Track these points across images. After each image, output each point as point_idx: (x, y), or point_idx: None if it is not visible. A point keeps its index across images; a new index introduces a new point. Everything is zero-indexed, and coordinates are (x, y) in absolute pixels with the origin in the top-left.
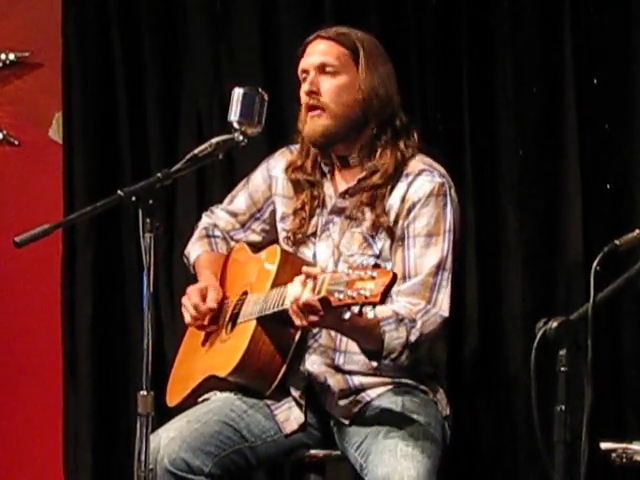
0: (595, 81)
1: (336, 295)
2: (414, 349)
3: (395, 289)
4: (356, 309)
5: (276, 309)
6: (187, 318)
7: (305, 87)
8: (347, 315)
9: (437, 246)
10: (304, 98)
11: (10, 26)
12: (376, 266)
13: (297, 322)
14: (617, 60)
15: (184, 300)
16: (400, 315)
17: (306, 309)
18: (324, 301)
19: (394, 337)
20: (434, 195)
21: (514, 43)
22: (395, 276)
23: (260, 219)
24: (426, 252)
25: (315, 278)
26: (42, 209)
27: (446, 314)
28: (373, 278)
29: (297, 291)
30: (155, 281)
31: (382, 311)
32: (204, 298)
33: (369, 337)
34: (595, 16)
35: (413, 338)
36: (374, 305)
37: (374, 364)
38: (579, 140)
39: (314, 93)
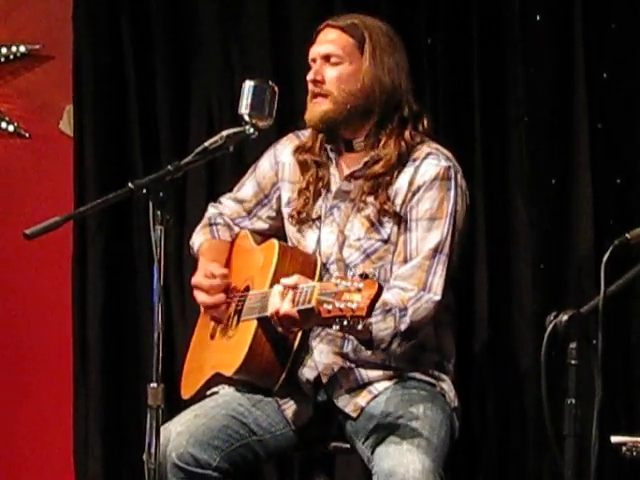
0: (605, 75)
1: (325, 306)
2: (407, 337)
3: (394, 273)
4: (344, 322)
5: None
6: (206, 301)
7: (310, 75)
8: (336, 328)
9: (438, 229)
10: (309, 85)
11: (21, 18)
12: (364, 276)
13: (280, 330)
14: (628, 54)
15: (196, 293)
16: (388, 305)
17: (285, 320)
18: (312, 311)
19: (381, 328)
20: (439, 179)
21: (525, 35)
22: (381, 287)
23: (267, 205)
24: (427, 235)
25: (294, 288)
26: (53, 201)
27: (438, 297)
28: (359, 290)
29: (276, 303)
30: (165, 273)
31: None
32: (211, 275)
33: (358, 331)
34: (606, 13)
35: (403, 327)
36: (362, 319)
37: (369, 353)
38: (589, 134)
39: (318, 82)
